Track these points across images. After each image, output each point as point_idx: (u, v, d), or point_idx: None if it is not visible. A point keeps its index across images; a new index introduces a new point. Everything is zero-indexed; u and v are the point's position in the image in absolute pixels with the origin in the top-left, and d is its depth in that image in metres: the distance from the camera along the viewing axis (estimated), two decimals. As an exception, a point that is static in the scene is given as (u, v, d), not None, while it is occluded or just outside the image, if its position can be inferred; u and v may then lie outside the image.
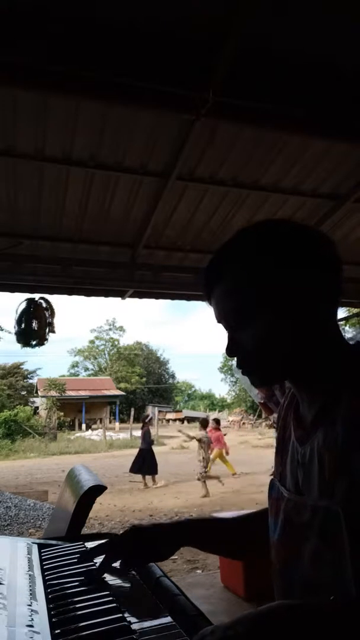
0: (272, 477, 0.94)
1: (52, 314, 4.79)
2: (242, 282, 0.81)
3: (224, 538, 1.07)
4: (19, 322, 4.72)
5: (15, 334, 4.78)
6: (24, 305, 4.74)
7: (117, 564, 0.99)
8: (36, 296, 4.81)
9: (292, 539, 0.81)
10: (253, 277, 0.80)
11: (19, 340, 4.80)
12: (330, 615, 0.66)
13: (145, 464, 11.25)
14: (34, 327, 4.71)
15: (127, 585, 0.94)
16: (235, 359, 0.84)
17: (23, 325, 4.71)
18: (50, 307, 4.82)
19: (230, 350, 0.84)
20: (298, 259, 0.80)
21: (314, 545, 0.75)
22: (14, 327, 4.77)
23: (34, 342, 4.79)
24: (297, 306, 0.79)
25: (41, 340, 4.80)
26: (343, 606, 0.67)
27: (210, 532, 1.06)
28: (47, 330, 4.79)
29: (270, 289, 0.80)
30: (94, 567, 0.98)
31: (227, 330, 0.85)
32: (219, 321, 0.86)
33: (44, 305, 4.81)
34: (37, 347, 4.87)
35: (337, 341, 0.83)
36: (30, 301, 4.75)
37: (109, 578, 0.96)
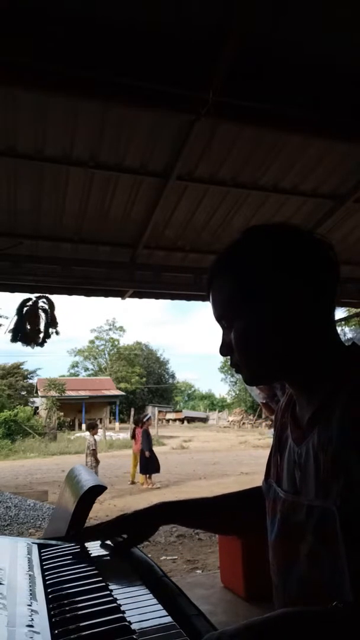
0: (269, 479, 0.94)
1: (53, 316, 4.75)
2: (235, 283, 0.83)
3: (201, 515, 1.14)
4: (17, 321, 4.69)
5: (10, 331, 4.74)
6: (20, 305, 4.71)
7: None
8: (34, 296, 4.77)
9: (289, 538, 0.81)
10: (245, 280, 0.82)
11: (12, 339, 4.75)
12: (335, 622, 0.66)
13: (142, 463, 11.33)
14: (27, 328, 4.67)
15: (126, 583, 0.94)
16: (230, 358, 0.86)
17: (15, 325, 4.67)
18: (50, 308, 4.78)
19: (222, 350, 0.86)
20: (291, 262, 0.81)
21: (311, 545, 0.76)
22: (10, 327, 4.73)
23: (28, 342, 4.75)
24: (290, 308, 0.80)
25: (35, 341, 4.74)
26: (346, 612, 0.67)
27: (184, 511, 1.13)
28: (47, 331, 4.75)
29: (263, 291, 0.81)
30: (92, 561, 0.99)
31: (222, 329, 0.87)
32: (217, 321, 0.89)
33: (44, 305, 4.78)
34: (32, 347, 4.82)
35: (333, 342, 0.85)
36: (26, 301, 4.72)
37: (108, 578, 0.96)
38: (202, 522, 1.19)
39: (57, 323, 4.77)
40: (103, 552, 1.07)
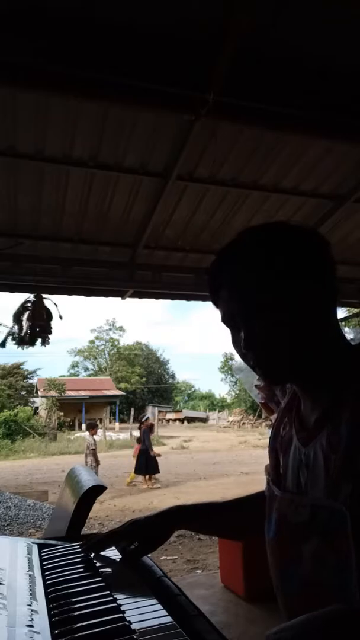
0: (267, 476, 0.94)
1: (48, 315, 4.72)
2: (252, 283, 0.81)
3: (215, 519, 1.12)
4: (16, 322, 4.67)
5: (11, 334, 4.72)
6: (18, 306, 4.69)
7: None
8: (26, 297, 4.74)
9: (289, 538, 0.81)
10: (263, 278, 0.80)
11: (14, 341, 4.73)
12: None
13: (140, 463, 11.36)
14: (26, 328, 4.64)
15: (126, 584, 0.94)
16: (241, 356, 0.84)
17: (16, 326, 4.66)
18: (43, 307, 4.74)
19: (248, 345, 0.81)
20: (303, 260, 0.81)
21: (315, 545, 0.75)
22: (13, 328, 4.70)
23: (29, 343, 4.72)
24: (303, 306, 0.79)
25: (26, 341, 4.71)
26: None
27: (199, 514, 1.11)
28: (48, 326, 4.72)
29: (278, 289, 0.80)
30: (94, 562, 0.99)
31: (233, 328, 0.84)
32: (224, 321, 0.85)
33: (39, 305, 4.74)
34: (29, 348, 4.80)
35: (340, 342, 0.84)
36: (23, 304, 4.69)
37: (108, 578, 0.96)
38: (217, 526, 1.16)
39: (52, 316, 4.74)
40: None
